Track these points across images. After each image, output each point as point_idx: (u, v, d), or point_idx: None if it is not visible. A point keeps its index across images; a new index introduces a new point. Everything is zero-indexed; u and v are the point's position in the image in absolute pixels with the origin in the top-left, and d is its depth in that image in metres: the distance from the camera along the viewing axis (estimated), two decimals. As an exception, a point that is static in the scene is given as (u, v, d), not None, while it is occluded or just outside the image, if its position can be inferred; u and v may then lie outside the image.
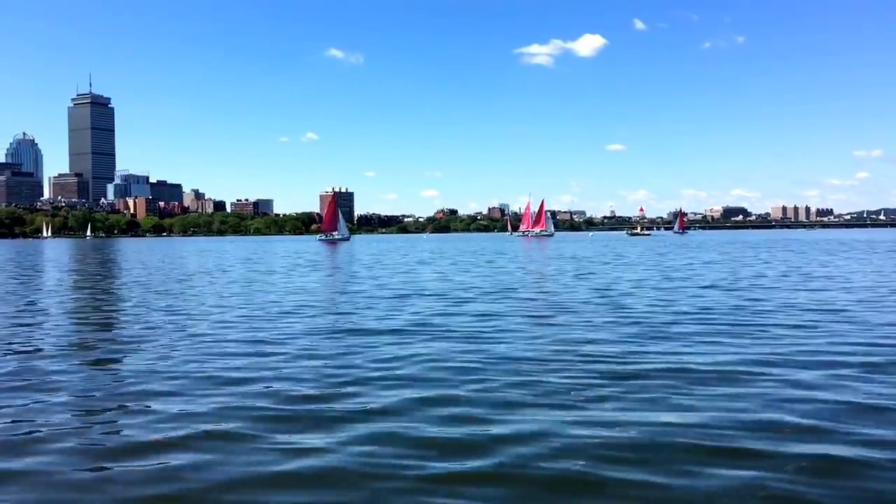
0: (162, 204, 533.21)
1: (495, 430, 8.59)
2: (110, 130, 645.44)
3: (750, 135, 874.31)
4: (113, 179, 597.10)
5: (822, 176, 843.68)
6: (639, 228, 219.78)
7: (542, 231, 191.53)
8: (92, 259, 69.71)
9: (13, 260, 67.85)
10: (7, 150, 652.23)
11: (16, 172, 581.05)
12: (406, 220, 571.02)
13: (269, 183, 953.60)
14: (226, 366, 12.57)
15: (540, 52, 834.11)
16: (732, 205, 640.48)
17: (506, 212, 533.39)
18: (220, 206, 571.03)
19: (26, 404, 10.09)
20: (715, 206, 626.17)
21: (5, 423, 9.18)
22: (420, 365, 12.41)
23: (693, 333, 15.51)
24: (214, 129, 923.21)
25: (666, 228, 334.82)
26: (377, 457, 7.71)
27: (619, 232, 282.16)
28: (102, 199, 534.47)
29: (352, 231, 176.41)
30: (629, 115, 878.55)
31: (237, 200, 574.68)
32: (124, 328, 17.66)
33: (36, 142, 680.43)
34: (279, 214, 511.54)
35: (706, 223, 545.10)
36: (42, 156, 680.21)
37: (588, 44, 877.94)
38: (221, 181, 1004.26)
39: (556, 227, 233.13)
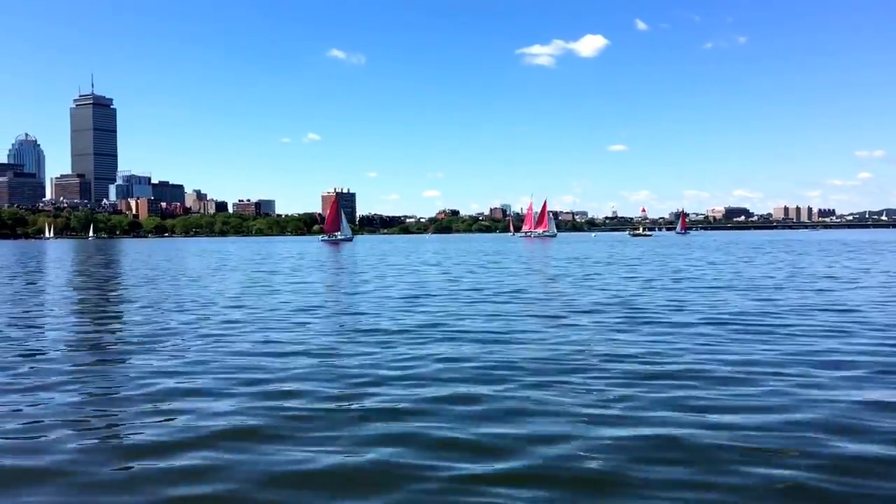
0: (164, 205, 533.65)
1: (521, 430, 8.54)
2: (112, 131, 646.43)
3: (752, 135, 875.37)
4: (115, 180, 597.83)
5: (824, 176, 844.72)
6: (641, 229, 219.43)
7: (544, 231, 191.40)
8: (97, 260, 69.74)
9: (19, 261, 67.90)
10: (9, 150, 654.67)
11: (18, 173, 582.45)
12: (408, 220, 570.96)
13: (270, 183, 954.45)
14: (242, 365, 12.53)
15: (541, 53, 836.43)
16: (734, 205, 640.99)
17: (507, 212, 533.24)
18: (221, 206, 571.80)
19: (45, 404, 10.06)
20: (717, 207, 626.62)
21: (27, 423, 9.14)
22: (439, 365, 12.37)
23: (712, 334, 15.47)
24: (216, 129, 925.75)
25: (668, 229, 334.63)
26: (404, 457, 7.66)
27: (620, 232, 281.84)
28: (104, 200, 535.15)
29: (354, 232, 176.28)
30: (631, 115, 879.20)
31: (239, 201, 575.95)
32: (137, 328, 17.63)
33: (38, 142, 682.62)
34: (281, 215, 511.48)
35: (708, 224, 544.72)
36: (44, 156, 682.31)
37: (590, 44, 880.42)
38: (223, 182, 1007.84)
39: (558, 228, 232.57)
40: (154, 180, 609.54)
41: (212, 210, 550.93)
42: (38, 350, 14.54)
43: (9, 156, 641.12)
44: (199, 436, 8.49)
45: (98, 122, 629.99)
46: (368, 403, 9.83)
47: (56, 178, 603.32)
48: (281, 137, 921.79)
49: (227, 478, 7.17)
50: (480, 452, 7.80)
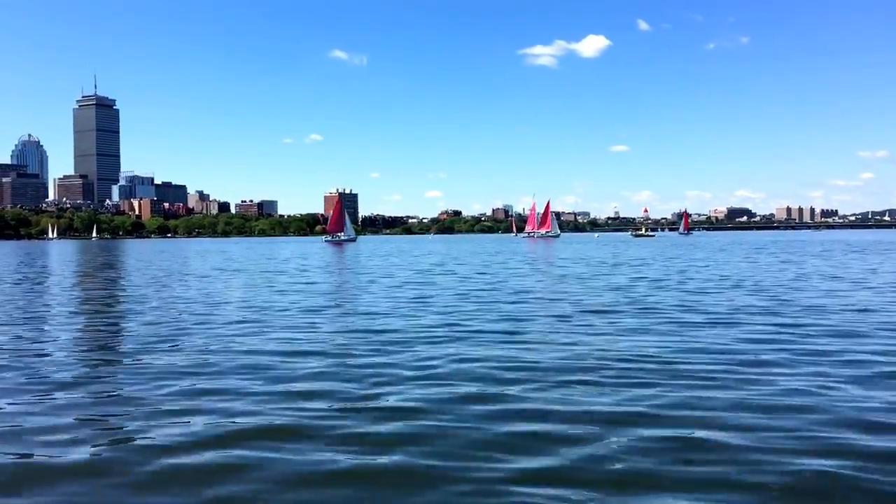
0: (167, 205, 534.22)
1: (544, 429, 8.55)
2: (115, 132, 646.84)
3: (754, 136, 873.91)
4: (118, 181, 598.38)
5: (826, 177, 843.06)
6: (643, 229, 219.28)
7: (547, 232, 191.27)
8: (102, 260, 69.88)
9: (24, 262, 68.03)
10: (12, 151, 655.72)
11: (21, 174, 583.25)
12: (410, 221, 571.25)
13: (273, 184, 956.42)
14: (259, 364, 12.56)
15: (543, 53, 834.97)
16: (737, 205, 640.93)
17: (510, 213, 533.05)
18: (224, 207, 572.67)
19: (66, 403, 10.11)
20: (719, 207, 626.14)
21: (49, 423, 9.19)
22: (460, 364, 12.38)
23: (725, 334, 15.49)
24: (219, 130, 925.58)
25: (670, 229, 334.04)
26: (428, 458, 7.66)
27: (623, 233, 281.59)
28: (107, 201, 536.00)
29: (356, 232, 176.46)
30: (633, 115, 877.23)
31: (242, 201, 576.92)
32: (151, 329, 17.66)
33: (41, 143, 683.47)
34: (284, 215, 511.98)
35: (710, 224, 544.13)
36: (47, 157, 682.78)
37: (592, 44, 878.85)
38: (226, 182, 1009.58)
39: (560, 229, 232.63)
40: (157, 181, 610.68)
41: (214, 211, 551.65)
42: (54, 350, 14.59)
43: (12, 156, 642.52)
44: (221, 435, 8.50)
45: (101, 122, 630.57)
46: (389, 403, 9.85)
47: (59, 178, 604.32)
48: (283, 138, 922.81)
49: (251, 478, 7.18)
50: (504, 452, 7.79)
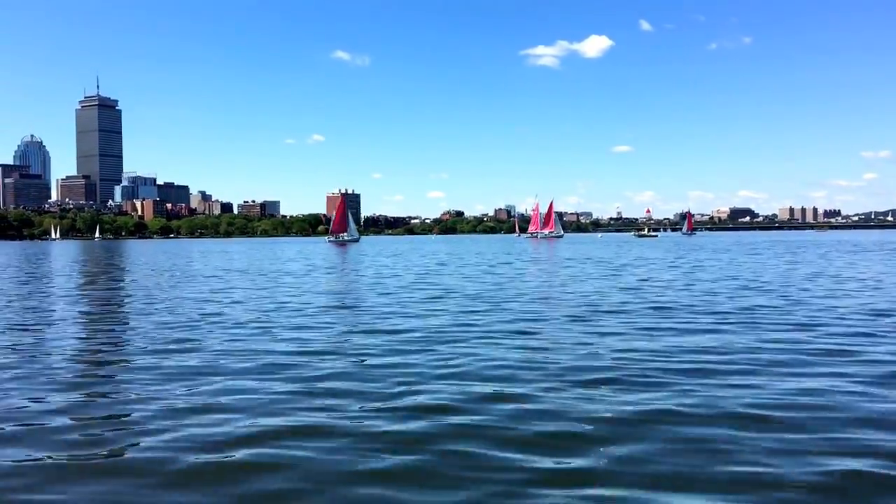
0: (169, 206, 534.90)
1: (573, 429, 8.56)
2: (117, 132, 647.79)
3: (757, 136, 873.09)
4: (120, 181, 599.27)
5: (829, 177, 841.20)
6: (646, 230, 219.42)
7: (551, 232, 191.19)
8: (107, 261, 69.96)
9: (29, 262, 68.10)
10: (15, 152, 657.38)
11: (24, 174, 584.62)
12: (412, 221, 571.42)
13: (275, 184, 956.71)
14: (281, 364, 12.58)
15: (546, 54, 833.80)
16: (739, 206, 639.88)
17: (512, 213, 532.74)
18: (227, 207, 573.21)
19: (92, 404, 10.13)
20: (722, 208, 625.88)
21: (76, 421, 9.21)
22: (480, 364, 12.40)
23: (743, 332, 15.47)
24: (221, 130, 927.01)
25: (673, 230, 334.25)
26: (460, 457, 7.67)
27: (626, 233, 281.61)
28: (110, 201, 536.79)
29: (359, 233, 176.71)
30: (635, 116, 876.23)
31: (244, 202, 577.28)
32: (165, 330, 17.67)
33: (44, 144, 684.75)
34: (286, 216, 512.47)
35: (713, 224, 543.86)
36: (50, 158, 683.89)
37: (594, 45, 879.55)
38: (228, 183, 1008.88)
39: (563, 229, 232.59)
40: (159, 181, 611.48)
41: (217, 211, 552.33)
42: (76, 351, 14.62)
43: (15, 157, 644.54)
44: (250, 435, 8.51)
45: (103, 123, 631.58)
46: (414, 402, 9.85)
47: (62, 179, 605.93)
48: (285, 138, 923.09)
49: (283, 477, 7.20)
50: (531, 453, 7.77)
